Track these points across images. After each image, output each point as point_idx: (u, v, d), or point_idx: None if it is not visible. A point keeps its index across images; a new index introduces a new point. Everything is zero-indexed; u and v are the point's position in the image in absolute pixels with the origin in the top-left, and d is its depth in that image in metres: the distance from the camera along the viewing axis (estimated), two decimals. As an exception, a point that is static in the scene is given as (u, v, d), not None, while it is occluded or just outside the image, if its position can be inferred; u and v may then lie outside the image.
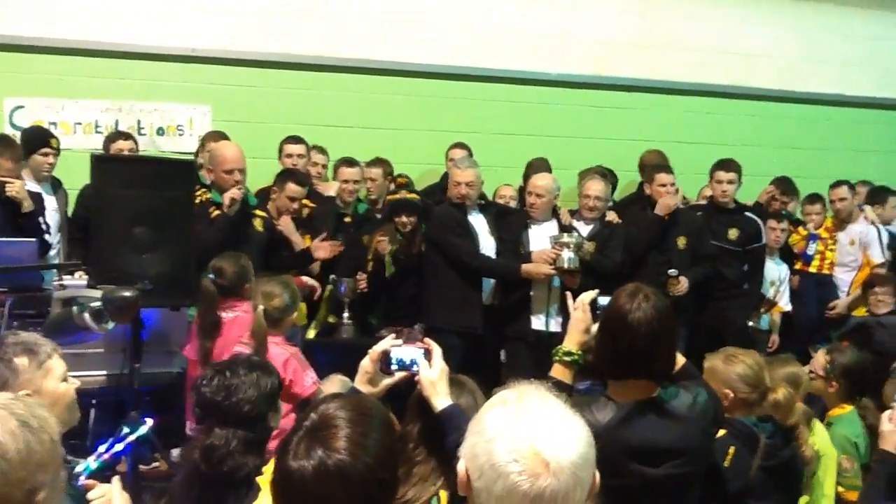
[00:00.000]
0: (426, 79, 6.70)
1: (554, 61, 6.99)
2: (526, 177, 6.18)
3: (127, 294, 3.14)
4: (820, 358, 3.83)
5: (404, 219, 5.41)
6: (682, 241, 5.72)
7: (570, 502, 1.34)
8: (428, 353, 2.26)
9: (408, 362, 2.26)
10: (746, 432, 3.03)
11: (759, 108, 7.63)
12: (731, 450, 2.98)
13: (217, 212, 4.66)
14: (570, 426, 1.39)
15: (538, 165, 6.17)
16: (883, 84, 8.07)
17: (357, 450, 1.62)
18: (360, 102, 6.59)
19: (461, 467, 1.41)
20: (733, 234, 5.93)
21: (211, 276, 3.91)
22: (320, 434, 1.63)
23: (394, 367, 2.26)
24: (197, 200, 4.36)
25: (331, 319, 5.54)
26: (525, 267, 5.26)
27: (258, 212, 4.95)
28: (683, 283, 5.55)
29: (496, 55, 6.83)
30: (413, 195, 5.63)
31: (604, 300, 2.64)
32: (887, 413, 2.79)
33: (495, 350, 5.58)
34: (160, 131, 6.21)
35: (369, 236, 5.52)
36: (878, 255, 6.45)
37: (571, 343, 2.63)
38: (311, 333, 5.42)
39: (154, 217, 3.42)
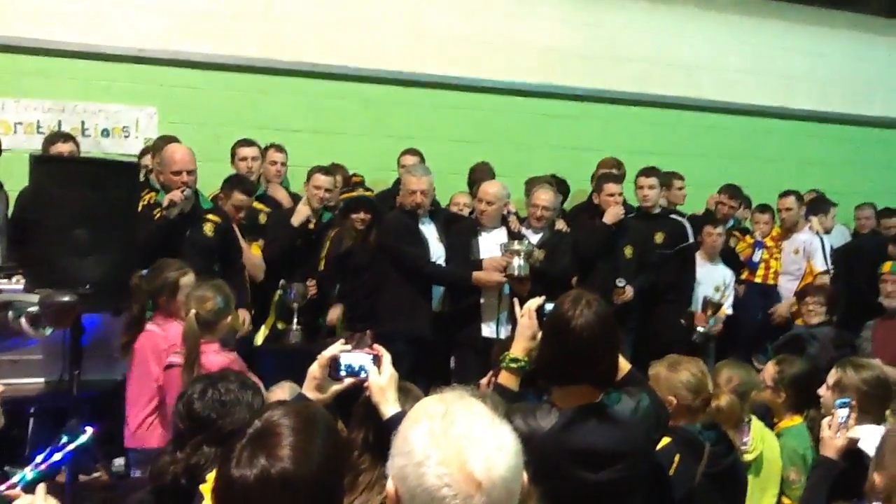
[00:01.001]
0: (376, 84, 6.70)
1: (503, 69, 7.04)
2: (470, 182, 6.20)
3: (65, 298, 3.06)
4: (770, 368, 3.86)
5: (361, 215, 5.38)
6: (628, 250, 5.80)
7: None
8: (377, 359, 2.24)
9: (356, 368, 2.23)
10: (691, 440, 3.06)
11: (703, 119, 7.78)
12: (676, 457, 3.01)
13: (160, 213, 4.58)
14: (497, 439, 1.37)
15: (481, 170, 6.20)
16: (824, 98, 8.29)
17: (301, 457, 1.60)
18: (311, 106, 6.55)
19: (390, 487, 1.39)
20: (659, 237, 6.04)
21: (144, 272, 3.81)
22: (263, 442, 1.61)
23: (342, 373, 2.23)
24: (144, 202, 4.28)
25: (280, 325, 5.47)
26: (475, 274, 5.26)
27: (211, 216, 4.87)
28: (629, 292, 5.65)
29: (446, 62, 6.85)
30: (368, 192, 5.61)
31: (550, 307, 2.65)
32: (826, 419, 2.85)
33: (445, 357, 5.57)
34: (105, 133, 6.09)
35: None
36: (820, 264, 6.57)
37: (518, 350, 2.64)
38: (259, 339, 5.35)
39: (95, 219, 3.36)
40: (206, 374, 2.99)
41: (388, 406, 2.18)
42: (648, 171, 6.16)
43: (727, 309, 6.24)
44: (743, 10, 8.07)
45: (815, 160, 8.19)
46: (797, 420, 3.71)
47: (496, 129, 7.02)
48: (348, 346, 2.27)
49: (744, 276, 6.75)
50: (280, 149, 5.97)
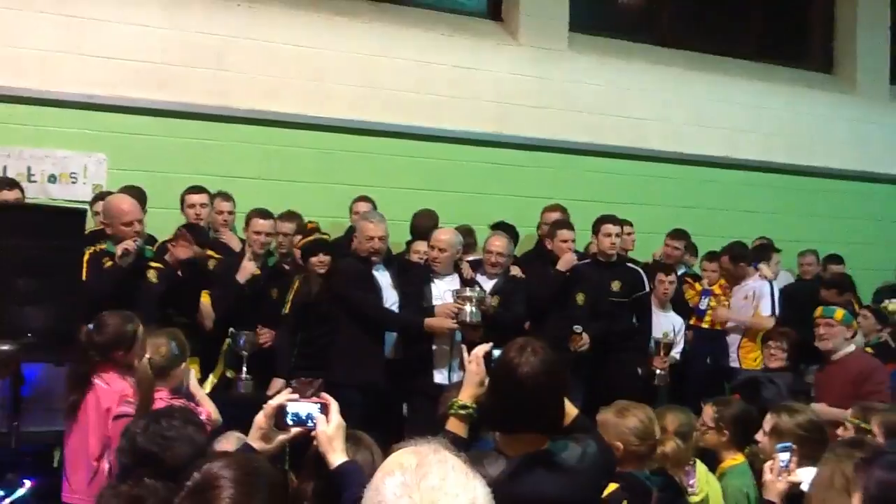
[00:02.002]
0: (328, 132, 6.72)
1: (455, 119, 7.12)
2: (412, 230, 6.23)
3: (5, 347, 2.99)
4: (708, 410, 3.95)
5: (320, 257, 5.37)
6: (580, 298, 5.85)
7: None
8: (325, 408, 2.22)
9: (303, 417, 2.21)
10: (638, 486, 3.08)
11: (651, 168, 7.92)
12: (624, 503, 3.03)
13: (110, 263, 4.51)
14: (472, 493, 1.36)
15: (424, 217, 6.24)
16: (766, 148, 8.53)
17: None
18: (262, 154, 6.55)
19: None
20: (616, 285, 6.09)
21: (91, 326, 3.75)
22: (203, 495, 1.58)
23: (289, 422, 2.21)
24: (91, 251, 4.21)
25: (229, 374, 5.39)
26: (428, 321, 5.27)
27: (153, 263, 4.82)
28: (586, 339, 5.69)
29: (398, 111, 6.91)
30: (325, 235, 5.62)
31: (498, 353, 2.66)
32: (768, 464, 2.90)
33: (397, 404, 5.54)
34: (52, 179, 6.00)
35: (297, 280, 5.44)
36: (766, 310, 6.66)
37: (466, 396, 2.63)
38: (207, 388, 5.26)
39: (39, 267, 3.29)
40: (151, 412, 2.97)
41: (336, 455, 2.16)
42: (614, 219, 6.18)
43: (676, 354, 6.31)
44: (688, 64, 8.31)
45: (759, 208, 8.39)
46: (739, 458, 3.79)
47: (448, 178, 7.07)
48: (295, 396, 2.26)
49: (692, 321, 6.84)
50: (227, 197, 5.94)
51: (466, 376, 2.72)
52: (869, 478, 1.79)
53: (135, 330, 3.83)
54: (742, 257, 6.86)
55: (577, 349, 5.67)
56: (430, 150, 7.05)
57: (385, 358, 5.40)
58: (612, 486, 3.05)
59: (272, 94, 6.56)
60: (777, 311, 6.72)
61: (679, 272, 6.79)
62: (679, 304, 6.65)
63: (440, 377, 5.28)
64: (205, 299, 5.23)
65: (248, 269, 5.32)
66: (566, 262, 5.78)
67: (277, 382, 5.26)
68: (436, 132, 7.07)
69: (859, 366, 5.03)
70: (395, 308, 5.39)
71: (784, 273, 7.69)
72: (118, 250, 4.49)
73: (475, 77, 7.26)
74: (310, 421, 2.21)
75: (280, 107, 6.57)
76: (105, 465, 3.58)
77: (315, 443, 2.20)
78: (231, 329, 5.29)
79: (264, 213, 5.59)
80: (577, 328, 5.66)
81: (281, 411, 2.21)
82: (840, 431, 3.63)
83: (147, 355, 3.53)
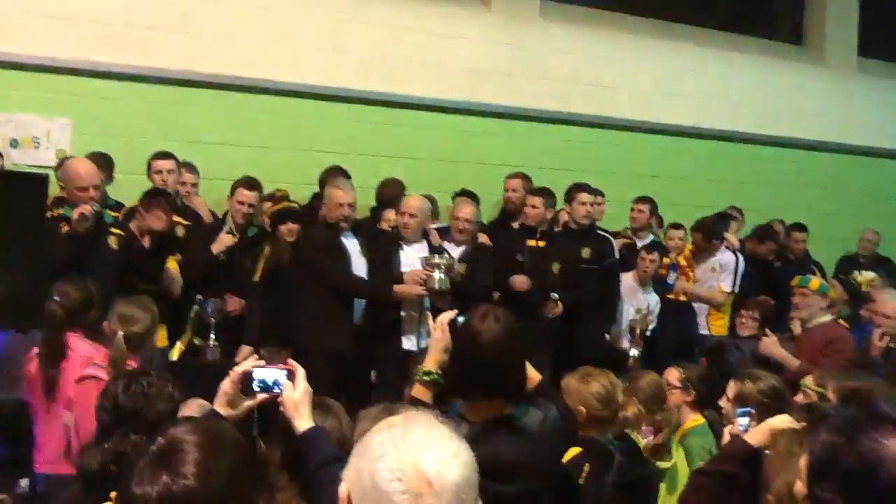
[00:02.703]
0: (297, 98, 6.65)
1: (425, 86, 7.08)
2: (378, 198, 6.22)
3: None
4: (673, 372, 4.07)
5: (290, 226, 5.34)
6: (555, 267, 5.89)
7: None
8: (291, 374, 2.23)
9: (270, 384, 2.22)
10: (601, 450, 3.13)
11: (619, 137, 7.95)
12: (586, 467, 3.08)
13: (66, 228, 4.47)
14: (454, 449, 1.39)
15: (391, 185, 6.23)
16: (735, 118, 8.58)
17: (206, 475, 1.58)
18: (229, 120, 6.48)
19: (342, 489, 1.39)
20: (586, 252, 6.15)
21: (56, 297, 3.73)
22: (167, 459, 1.59)
23: (255, 388, 2.22)
24: (49, 216, 4.16)
25: (196, 341, 5.37)
26: (396, 288, 5.29)
27: (114, 229, 4.77)
28: (560, 307, 5.76)
29: (367, 78, 6.86)
30: (294, 203, 5.60)
31: (463, 320, 2.68)
32: (727, 428, 2.96)
33: (365, 371, 5.56)
34: (14, 143, 5.90)
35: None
36: (727, 285, 6.69)
37: (431, 363, 2.65)
38: (175, 355, 5.25)
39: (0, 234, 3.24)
40: (125, 371, 2.99)
41: (302, 421, 2.17)
42: (589, 187, 6.25)
43: (648, 331, 6.36)
44: (659, 33, 8.31)
45: (727, 178, 8.47)
46: (699, 419, 3.90)
47: (417, 146, 7.05)
48: (262, 362, 2.26)
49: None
50: (191, 168, 5.89)
51: (431, 343, 2.74)
52: (815, 440, 1.82)
53: (93, 293, 3.83)
54: (715, 234, 6.88)
55: (552, 316, 5.73)
56: (399, 118, 7.02)
57: (353, 325, 5.40)
58: (575, 451, 3.11)
59: (240, 60, 6.47)
60: (738, 286, 6.74)
61: (646, 240, 6.84)
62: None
63: (408, 343, 5.32)
64: (172, 265, 5.19)
65: (224, 241, 5.29)
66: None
67: (245, 350, 5.26)
68: (406, 99, 7.03)
69: (827, 334, 5.09)
70: (363, 275, 5.39)
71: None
72: (74, 215, 4.45)
73: (446, 44, 7.21)
74: (276, 387, 2.22)
75: (248, 72, 6.48)
76: (69, 427, 3.58)
77: (281, 409, 2.21)
78: (198, 296, 5.26)
79: (250, 184, 5.54)
80: (554, 295, 5.71)
81: (247, 377, 2.21)
82: (799, 398, 3.71)
83: (120, 330, 3.54)
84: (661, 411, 3.74)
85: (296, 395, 2.20)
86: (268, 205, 5.76)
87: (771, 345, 4.96)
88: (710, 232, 6.77)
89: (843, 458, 1.74)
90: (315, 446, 2.14)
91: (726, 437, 2.93)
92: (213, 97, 6.43)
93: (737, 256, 6.81)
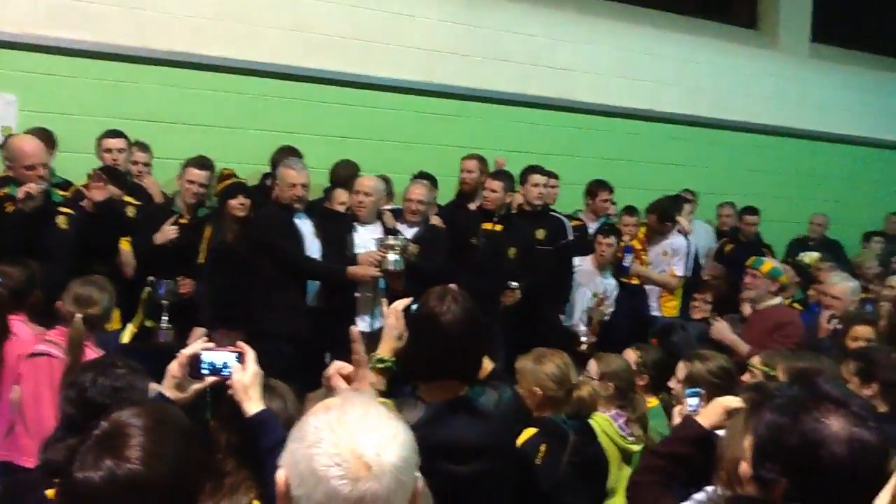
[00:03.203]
0: (253, 77, 6.54)
1: (383, 66, 7.02)
2: (333, 178, 6.19)
3: None
4: (630, 354, 4.12)
5: (241, 199, 5.27)
6: (512, 252, 5.90)
7: None
8: (241, 357, 2.20)
9: (219, 366, 2.19)
10: (556, 430, 3.16)
11: (577, 120, 7.97)
12: (543, 447, 3.10)
13: (12, 207, 4.36)
14: (392, 430, 1.37)
15: (344, 166, 6.19)
16: (689, 102, 8.67)
17: (151, 459, 1.55)
18: (183, 98, 6.34)
19: (280, 476, 1.37)
20: (540, 234, 6.18)
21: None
22: (110, 443, 1.55)
23: (204, 371, 2.19)
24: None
25: (148, 323, 5.29)
26: (350, 269, 5.26)
27: (63, 209, 4.66)
28: (517, 294, 5.78)
29: (324, 57, 6.77)
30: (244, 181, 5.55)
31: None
32: (677, 408, 2.99)
33: (320, 353, 5.52)
34: (-44, 120, 5.73)
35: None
36: (680, 269, 6.75)
37: (384, 350, 2.63)
38: (126, 337, 5.16)
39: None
40: (92, 360, 2.92)
41: (252, 404, 2.15)
42: (541, 169, 6.28)
43: (605, 317, 6.41)
44: (616, 15, 8.34)
45: (682, 161, 8.56)
46: (654, 402, 3.95)
47: (374, 126, 6.99)
48: (210, 344, 2.23)
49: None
50: (144, 147, 5.77)
51: (385, 330, 2.72)
52: (759, 420, 1.84)
53: (35, 274, 3.78)
54: (669, 216, 6.93)
55: (509, 303, 5.75)
56: (356, 97, 6.95)
57: (307, 307, 5.37)
58: (531, 431, 3.13)
59: (194, 36, 6.33)
60: (690, 270, 6.82)
61: (597, 223, 6.88)
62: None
63: (363, 325, 5.28)
64: (125, 246, 5.10)
65: (167, 233, 5.17)
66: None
67: (198, 331, 5.20)
68: (363, 79, 6.95)
69: (777, 317, 5.16)
70: (317, 257, 5.35)
71: (703, 224, 7.88)
72: (20, 193, 4.34)
73: (405, 24, 7.15)
74: (225, 370, 2.19)
75: (202, 49, 6.35)
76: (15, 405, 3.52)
77: (231, 392, 2.19)
78: (150, 278, 5.17)
79: (201, 163, 5.43)
80: (514, 284, 5.72)
81: (195, 360, 2.18)
82: (746, 378, 3.77)
83: (77, 312, 3.48)
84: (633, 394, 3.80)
85: (245, 378, 2.17)
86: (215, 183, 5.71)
87: (722, 329, 5.02)
88: (665, 214, 6.83)
89: (786, 438, 1.76)
90: (265, 429, 2.12)
91: (676, 418, 2.97)
92: (166, 74, 6.29)
93: (688, 240, 6.87)
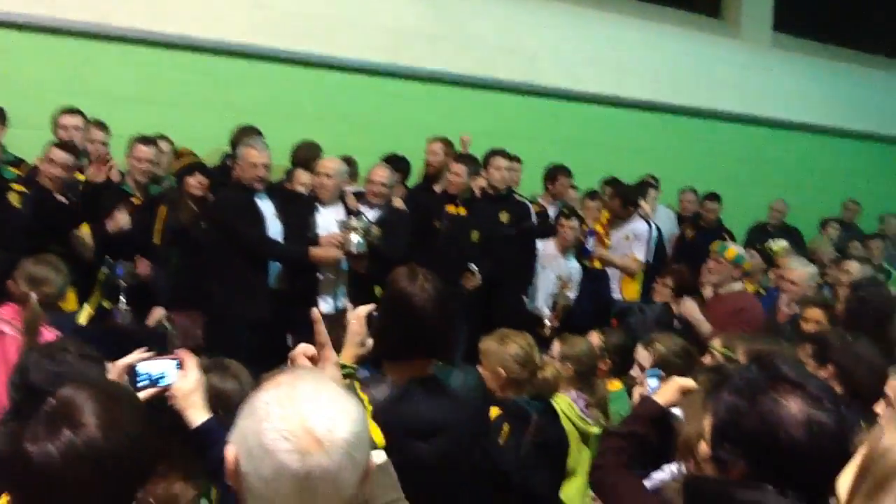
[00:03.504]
0: (215, 55, 6.41)
1: (349, 47, 6.94)
2: (294, 161, 6.13)
3: None
4: (594, 337, 4.13)
5: (199, 177, 5.19)
6: (475, 235, 5.90)
7: (342, 482, 1.30)
8: (181, 364, 2.14)
9: (155, 377, 2.11)
10: (519, 411, 3.17)
11: (542, 104, 7.97)
12: (506, 428, 3.11)
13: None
14: (344, 405, 1.35)
15: (306, 147, 6.13)
16: (654, 88, 8.72)
17: (109, 428, 1.51)
18: (142, 76, 6.21)
19: (229, 452, 1.34)
20: (504, 217, 6.19)
21: None
22: (63, 414, 1.50)
23: (140, 383, 2.11)
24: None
25: (106, 305, 5.20)
26: (313, 251, 5.21)
27: (16, 185, 4.54)
28: (478, 278, 5.77)
29: (289, 36, 6.66)
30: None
31: None
32: (637, 389, 3.02)
33: (282, 335, 5.48)
34: None
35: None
36: (641, 254, 6.76)
37: (347, 356, 2.61)
38: (82, 319, 5.07)
39: None
40: (43, 344, 2.85)
41: (195, 412, 2.08)
42: (505, 153, 6.28)
43: (570, 300, 6.44)
44: (582, 1, 8.34)
45: (645, 147, 8.61)
46: (618, 385, 3.97)
47: (338, 107, 6.92)
48: (147, 354, 2.16)
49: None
50: (101, 126, 5.65)
51: (348, 336, 2.68)
52: (718, 402, 1.84)
53: None
54: (633, 202, 6.91)
55: (470, 287, 5.75)
56: (321, 78, 6.86)
57: (269, 289, 5.32)
58: (494, 412, 3.14)
59: (155, 13, 6.19)
60: (651, 255, 6.85)
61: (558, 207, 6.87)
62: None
63: (326, 307, 5.24)
64: (84, 228, 5.01)
65: (118, 220, 5.07)
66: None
67: (158, 311, 5.14)
68: (328, 60, 6.87)
69: (737, 302, 5.22)
70: (278, 238, 5.29)
71: (665, 210, 7.95)
72: None
73: (370, 4, 7.07)
74: (161, 380, 2.11)
75: (163, 26, 6.21)
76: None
77: (171, 401, 2.12)
78: (107, 258, 5.08)
79: (146, 140, 5.34)
80: (473, 267, 5.72)
81: (131, 371, 2.12)
82: (707, 360, 3.81)
83: (32, 292, 3.41)
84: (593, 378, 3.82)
85: (186, 385, 2.10)
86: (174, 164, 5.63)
87: (691, 308, 5.06)
88: (628, 199, 6.87)
89: (744, 420, 1.76)
90: (213, 438, 2.05)
91: (636, 399, 2.99)
92: (125, 52, 6.15)
93: (650, 226, 6.91)
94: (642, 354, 3.45)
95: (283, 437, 1.27)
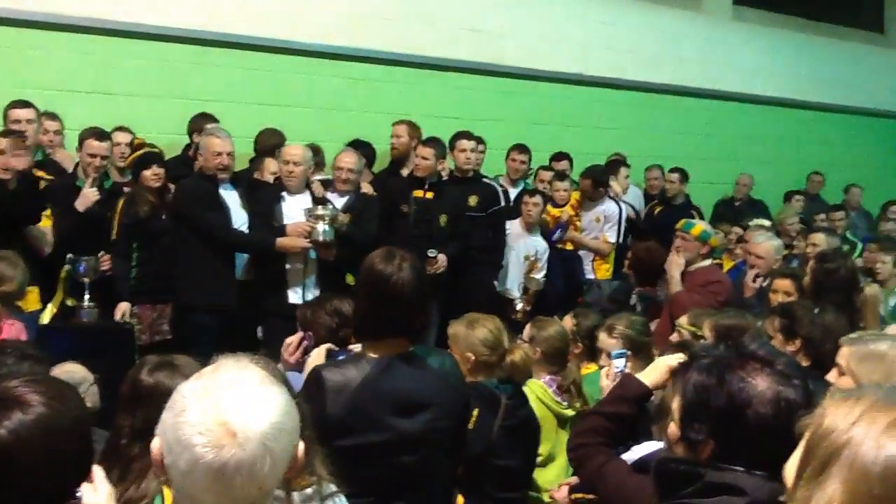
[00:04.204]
0: (171, 43, 6.28)
1: (308, 31, 6.83)
2: (259, 147, 6.05)
3: None
4: (567, 321, 4.12)
5: (155, 169, 5.10)
6: (443, 219, 5.86)
7: (258, 473, 1.31)
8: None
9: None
10: (488, 394, 3.16)
11: (505, 84, 7.92)
12: (475, 412, 3.09)
13: None
14: (264, 396, 1.36)
15: (270, 134, 6.06)
16: (618, 65, 8.70)
17: (56, 404, 1.55)
18: (96, 66, 6.08)
19: (155, 444, 1.36)
20: (473, 200, 6.17)
21: None
22: (8, 400, 1.52)
23: None
24: None
25: (69, 302, 5.11)
26: (280, 241, 5.16)
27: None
28: (441, 262, 5.73)
29: (246, 21, 6.55)
30: (156, 149, 5.38)
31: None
32: (604, 370, 3.01)
33: (251, 327, 5.43)
34: None
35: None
36: (612, 236, 6.79)
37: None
38: (46, 317, 4.97)
39: None
40: None
41: None
42: (469, 135, 6.26)
43: (540, 280, 6.44)
44: (542, -21, 8.29)
45: (611, 125, 8.61)
46: (592, 367, 3.97)
47: (300, 93, 6.83)
48: None
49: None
50: (53, 116, 5.52)
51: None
52: (686, 382, 1.84)
53: None
54: (602, 183, 6.89)
55: (433, 272, 5.72)
56: (279, 64, 6.75)
57: (236, 280, 5.25)
58: (464, 397, 3.12)
59: (110, 1, 6.06)
60: (623, 235, 6.85)
61: (520, 187, 6.86)
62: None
63: (294, 297, 5.20)
64: (45, 223, 4.90)
65: (88, 197, 4.97)
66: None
67: (123, 306, 5.07)
68: (287, 44, 6.76)
69: (705, 277, 5.24)
70: (244, 228, 5.23)
71: (632, 187, 7.96)
72: None
73: (328, -14, 6.98)
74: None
75: (116, 14, 6.08)
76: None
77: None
78: (70, 255, 4.98)
79: (99, 134, 5.22)
80: (432, 252, 5.68)
81: None
82: (673, 337, 3.83)
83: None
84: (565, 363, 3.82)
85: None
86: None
87: (673, 262, 5.07)
88: (598, 180, 6.84)
89: (712, 400, 1.76)
90: None
91: (603, 380, 2.98)
92: (79, 41, 6.01)
93: (620, 207, 6.91)
94: (605, 341, 3.46)
95: (197, 431, 1.29)
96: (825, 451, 1.12)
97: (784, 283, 4.51)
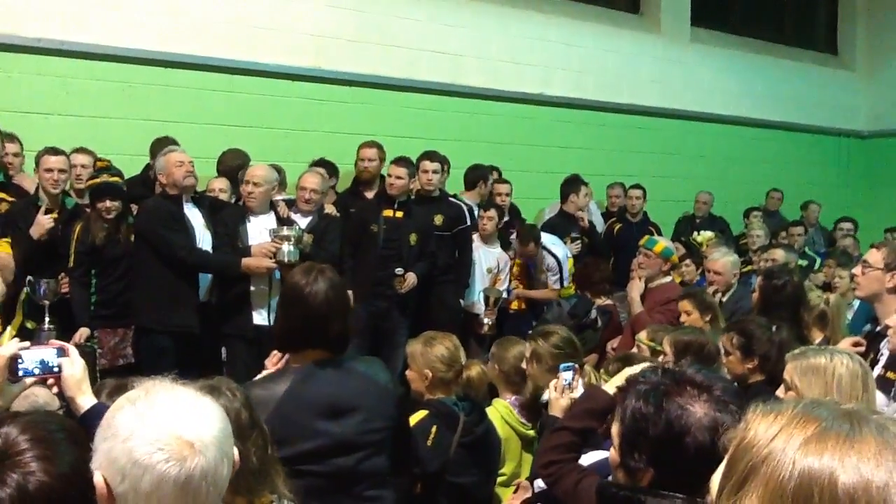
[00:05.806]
0: (131, 64, 6.24)
1: (270, 52, 6.86)
2: (220, 170, 6.06)
3: None
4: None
5: (108, 203, 5.07)
6: (413, 238, 5.90)
7: (220, 478, 1.35)
8: (63, 351, 2.12)
9: (42, 364, 2.08)
10: (447, 412, 3.19)
11: (467, 105, 8.00)
12: (434, 429, 3.13)
13: None
14: (203, 406, 1.41)
15: (233, 155, 6.07)
16: (577, 86, 8.82)
17: (51, 466, 1.51)
18: (57, 87, 6.04)
19: (98, 479, 1.35)
20: (438, 219, 6.21)
21: None
22: (7, 461, 1.50)
23: (31, 371, 2.08)
24: None
25: (29, 325, 5.05)
26: (245, 261, 5.13)
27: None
28: (410, 280, 5.76)
29: (208, 43, 6.55)
30: (116, 178, 5.32)
31: None
32: (552, 382, 3.04)
33: (215, 349, 5.40)
34: None
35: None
36: (556, 284, 6.48)
37: None
38: (4, 341, 4.90)
39: None
40: None
41: (85, 398, 2.08)
42: (432, 156, 6.31)
43: (504, 292, 6.48)
44: (502, 1, 8.39)
45: (571, 144, 8.72)
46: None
47: (263, 114, 6.83)
48: (26, 344, 2.13)
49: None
50: (12, 139, 5.47)
51: None
52: (625, 408, 1.84)
53: None
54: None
55: (404, 291, 5.74)
56: (243, 85, 6.76)
57: (199, 301, 5.23)
58: (423, 413, 3.15)
59: (69, 22, 6.03)
60: (567, 280, 6.53)
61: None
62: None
63: (259, 318, 5.18)
64: (4, 249, 4.85)
65: (42, 224, 4.94)
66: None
67: (82, 330, 5.02)
68: (249, 65, 6.77)
69: (666, 294, 5.33)
70: (208, 248, 5.21)
71: (591, 204, 8.06)
72: None
73: (290, 9, 6.99)
74: (46, 368, 2.08)
75: (77, 36, 6.05)
76: None
77: (62, 387, 2.11)
78: (29, 278, 4.93)
79: (54, 150, 5.16)
80: (399, 271, 5.72)
81: (14, 361, 2.09)
82: (633, 351, 3.89)
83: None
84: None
85: (77, 372, 2.09)
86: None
87: (634, 288, 5.34)
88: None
89: (651, 428, 1.77)
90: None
91: (551, 392, 3.01)
92: (39, 63, 5.97)
93: (557, 258, 6.50)
94: (530, 352, 3.50)
95: (156, 448, 1.31)
96: (745, 466, 1.11)
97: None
